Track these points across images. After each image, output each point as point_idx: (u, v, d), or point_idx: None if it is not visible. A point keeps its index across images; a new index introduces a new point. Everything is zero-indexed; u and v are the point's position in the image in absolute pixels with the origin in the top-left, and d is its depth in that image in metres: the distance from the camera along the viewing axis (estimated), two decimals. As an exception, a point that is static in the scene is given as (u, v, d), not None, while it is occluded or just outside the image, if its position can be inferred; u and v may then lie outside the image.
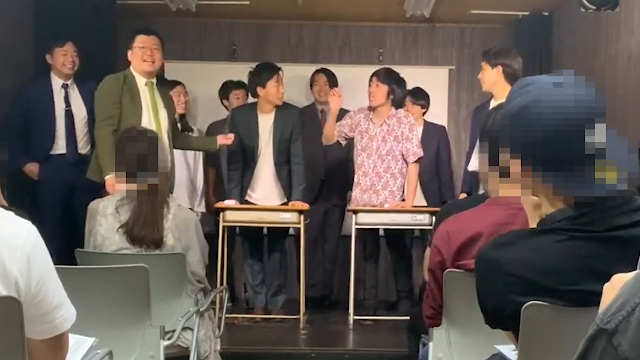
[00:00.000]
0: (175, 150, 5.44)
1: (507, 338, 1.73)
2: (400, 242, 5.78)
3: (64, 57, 5.45)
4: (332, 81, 6.43)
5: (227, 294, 4.37)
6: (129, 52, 4.77)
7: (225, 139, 5.27)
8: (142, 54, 4.71)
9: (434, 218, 4.56)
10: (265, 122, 5.51)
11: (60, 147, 5.43)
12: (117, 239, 3.25)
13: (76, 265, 3.17)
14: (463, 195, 5.38)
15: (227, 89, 6.51)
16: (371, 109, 5.56)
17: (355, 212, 5.48)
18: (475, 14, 6.79)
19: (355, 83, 6.63)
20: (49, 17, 5.98)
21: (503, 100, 1.76)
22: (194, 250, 3.38)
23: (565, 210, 1.56)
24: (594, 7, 4.94)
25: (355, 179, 5.60)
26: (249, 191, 5.57)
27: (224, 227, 5.38)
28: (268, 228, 5.71)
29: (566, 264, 1.55)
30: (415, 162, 5.51)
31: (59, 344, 1.68)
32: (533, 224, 1.65)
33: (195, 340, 3.26)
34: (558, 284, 1.56)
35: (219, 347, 3.69)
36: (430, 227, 5.01)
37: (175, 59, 7.02)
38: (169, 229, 3.28)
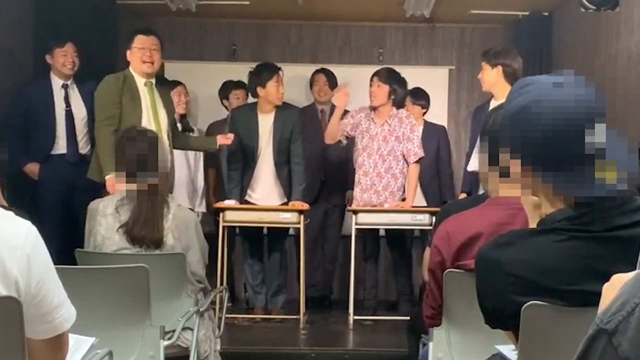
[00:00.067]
0: (176, 151, 5.45)
1: (507, 338, 1.73)
2: (401, 242, 5.78)
3: (64, 58, 5.45)
4: (332, 81, 6.43)
5: (227, 294, 4.37)
6: (128, 52, 4.77)
7: (225, 139, 5.27)
8: (141, 55, 4.71)
9: (434, 218, 4.57)
10: (265, 122, 5.51)
11: (60, 147, 5.44)
12: (117, 239, 3.25)
13: (76, 265, 3.17)
14: (463, 195, 5.38)
15: (227, 89, 6.52)
16: (372, 108, 5.56)
17: (355, 212, 5.49)
18: (475, 14, 6.79)
19: (355, 83, 6.62)
20: (49, 17, 5.98)
21: (503, 100, 1.76)
22: (194, 250, 3.38)
23: (565, 210, 1.56)
24: (594, 7, 4.94)
25: (356, 179, 5.61)
26: (249, 191, 5.57)
27: (224, 227, 5.38)
28: (268, 228, 5.71)
29: (566, 264, 1.55)
30: (416, 162, 5.51)
31: (59, 344, 1.68)
32: (533, 224, 1.65)
33: (195, 340, 3.26)
34: (558, 284, 1.56)
35: (219, 347, 3.69)
36: (430, 227, 5.01)
37: (175, 59, 7.03)
38: (169, 229, 3.28)
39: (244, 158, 5.55)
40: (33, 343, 1.64)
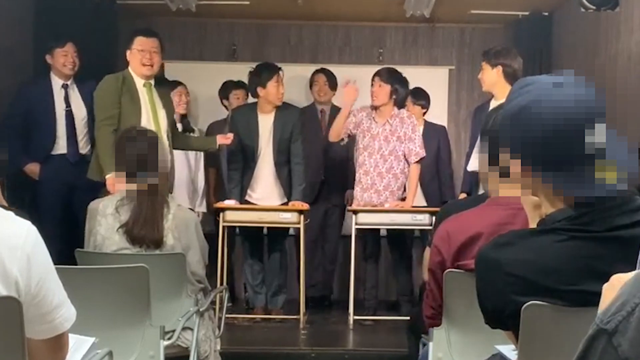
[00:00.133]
0: (176, 151, 5.45)
1: (507, 338, 1.73)
2: (401, 242, 5.78)
3: (65, 58, 5.45)
4: (332, 81, 6.43)
5: (227, 294, 4.37)
6: (128, 52, 4.77)
7: (224, 139, 5.27)
8: (141, 57, 4.71)
9: (434, 218, 4.56)
10: (266, 122, 5.51)
11: (60, 147, 5.44)
12: (117, 239, 3.25)
13: (76, 265, 3.17)
14: (463, 195, 5.38)
15: (227, 89, 6.52)
16: (374, 108, 5.56)
17: (355, 212, 5.49)
18: (475, 14, 6.79)
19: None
20: (49, 17, 5.98)
21: (503, 100, 1.76)
22: (194, 250, 3.38)
23: (565, 210, 1.57)
24: (594, 7, 4.94)
25: (357, 178, 5.61)
26: (249, 191, 5.57)
27: (224, 227, 5.38)
28: (268, 228, 5.71)
29: (566, 264, 1.55)
30: (417, 162, 5.52)
31: (59, 344, 1.69)
32: (533, 224, 1.65)
33: (195, 340, 3.26)
34: (558, 284, 1.56)
35: (219, 347, 3.69)
36: (430, 227, 5.01)
37: (175, 59, 7.03)
38: (169, 229, 3.28)
39: (244, 158, 5.55)
40: (33, 343, 1.64)
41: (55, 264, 1.65)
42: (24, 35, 5.91)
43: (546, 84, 1.58)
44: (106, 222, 3.28)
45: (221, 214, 5.36)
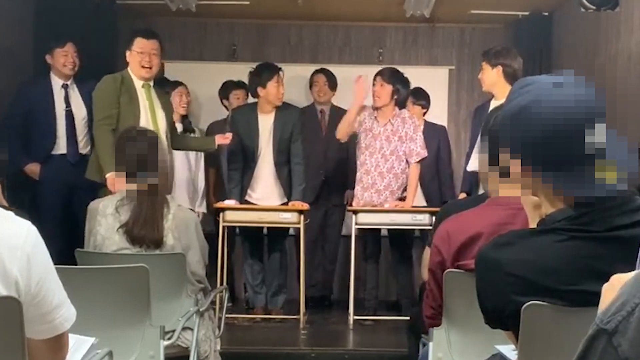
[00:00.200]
0: (177, 151, 5.46)
1: (507, 338, 1.73)
2: (401, 242, 5.78)
3: (65, 58, 5.45)
4: (332, 81, 6.43)
5: (227, 294, 4.37)
6: (128, 53, 4.77)
7: (223, 139, 5.28)
8: (140, 59, 4.72)
9: (434, 218, 4.56)
10: (266, 122, 5.52)
11: (61, 147, 5.44)
12: (117, 239, 3.25)
13: (76, 265, 3.17)
14: (463, 195, 5.38)
15: (227, 89, 6.52)
16: (375, 108, 5.55)
17: (355, 212, 5.49)
18: (475, 14, 6.79)
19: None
20: (49, 17, 5.98)
21: (503, 100, 1.76)
22: (194, 250, 3.38)
23: (565, 210, 1.57)
24: (594, 7, 4.94)
25: (358, 177, 5.60)
26: (249, 191, 5.57)
27: (224, 227, 5.38)
28: (268, 228, 5.71)
29: (566, 264, 1.55)
30: (418, 162, 5.51)
31: (59, 344, 1.68)
32: (533, 224, 1.65)
33: (195, 340, 3.26)
34: (558, 284, 1.56)
35: (219, 347, 3.69)
36: (430, 227, 5.01)
37: (175, 59, 7.03)
38: (169, 229, 3.28)
39: (244, 158, 5.56)
40: (33, 343, 1.64)
41: (55, 264, 1.65)
42: (24, 35, 5.91)
43: (546, 84, 1.58)
44: (106, 222, 3.28)
45: (221, 214, 5.36)
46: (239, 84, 6.37)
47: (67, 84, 5.50)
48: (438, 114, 6.86)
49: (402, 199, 5.54)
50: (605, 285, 1.03)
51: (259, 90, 5.46)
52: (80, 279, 2.84)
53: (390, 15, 6.92)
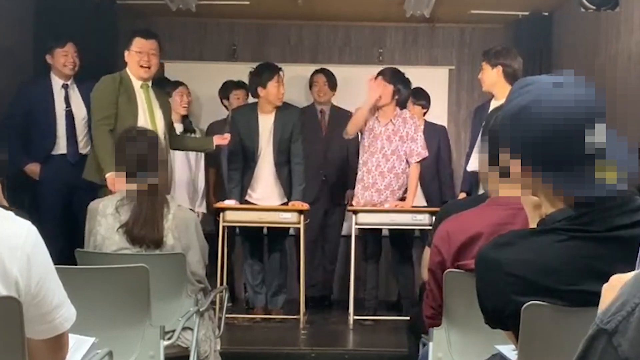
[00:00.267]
0: (177, 151, 5.46)
1: (507, 338, 1.73)
2: (402, 242, 5.78)
3: (65, 58, 5.45)
4: (332, 81, 6.43)
5: (227, 294, 4.37)
6: (126, 53, 4.78)
7: (221, 139, 5.28)
8: (139, 59, 4.72)
9: (434, 218, 4.56)
10: (266, 122, 5.52)
11: (61, 147, 5.44)
12: (117, 239, 3.25)
13: (76, 265, 3.17)
14: (463, 195, 5.38)
15: (227, 89, 6.52)
16: (376, 108, 5.54)
17: (355, 212, 5.49)
18: (475, 14, 6.79)
19: (355, 83, 6.63)
20: (49, 17, 5.98)
21: (503, 100, 1.76)
22: (194, 250, 3.38)
23: (565, 210, 1.57)
24: (594, 7, 4.94)
25: (359, 176, 5.60)
26: (249, 191, 5.57)
27: (224, 227, 5.38)
28: (268, 228, 5.71)
29: (566, 264, 1.55)
30: (418, 162, 5.51)
31: (59, 344, 1.69)
32: (533, 224, 1.65)
33: (195, 340, 3.26)
34: (558, 284, 1.56)
35: (219, 347, 3.69)
36: (430, 227, 5.01)
37: (175, 59, 7.03)
38: (169, 229, 3.28)
39: (244, 158, 5.56)
40: (33, 343, 1.64)
41: (55, 264, 1.65)
42: (24, 35, 5.91)
43: (546, 84, 1.58)
44: (106, 222, 3.28)
45: (221, 214, 5.36)
46: (239, 84, 6.37)
47: (67, 84, 5.50)
48: (438, 114, 6.86)
49: (403, 199, 5.55)
50: (605, 286, 1.03)
51: (259, 90, 5.46)
52: (80, 279, 2.84)
53: (390, 15, 6.92)
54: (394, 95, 5.48)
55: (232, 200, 5.47)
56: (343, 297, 6.13)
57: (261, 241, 5.82)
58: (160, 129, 4.74)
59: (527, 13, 6.83)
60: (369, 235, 5.73)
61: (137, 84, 4.75)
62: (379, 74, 5.54)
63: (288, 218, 5.42)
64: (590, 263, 1.54)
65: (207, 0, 6.44)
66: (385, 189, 5.52)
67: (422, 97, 6.33)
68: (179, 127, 5.85)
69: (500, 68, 4.70)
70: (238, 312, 5.82)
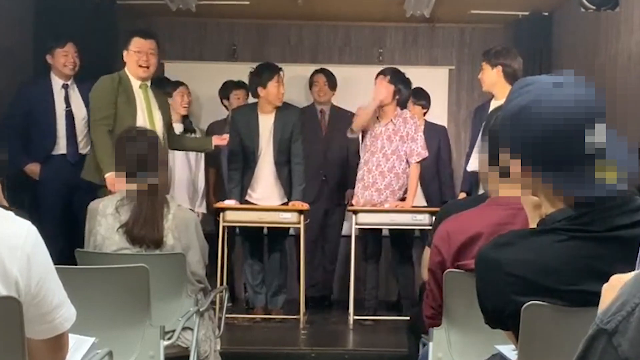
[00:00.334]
0: (177, 151, 5.45)
1: (507, 338, 1.73)
2: (401, 242, 5.78)
3: (65, 58, 5.45)
4: (332, 81, 6.43)
5: (227, 294, 4.37)
6: (125, 53, 4.78)
7: (219, 140, 5.28)
8: (137, 59, 4.72)
9: (434, 218, 4.56)
10: (266, 122, 5.52)
11: (61, 147, 5.44)
12: (117, 239, 3.25)
13: (76, 265, 3.17)
14: (463, 195, 5.38)
15: (227, 89, 6.52)
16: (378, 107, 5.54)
17: (355, 212, 5.49)
18: (475, 14, 6.79)
19: (355, 83, 6.64)
20: (49, 17, 5.98)
21: (503, 100, 1.76)
22: (194, 250, 3.38)
23: (565, 210, 1.56)
24: (594, 7, 4.94)
25: (359, 175, 5.60)
26: (249, 191, 5.57)
27: (224, 227, 5.38)
28: (268, 228, 5.71)
29: (566, 264, 1.55)
30: (418, 162, 5.51)
31: (59, 344, 1.68)
32: (533, 224, 1.65)
33: (195, 340, 3.26)
34: (558, 284, 1.56)
35: (219, 347, 3.69)
36: (430, 227, 5.01)
37: (175, 59, 7.03)
38: (169, 229, 3.28)
39: (244, 158, 5.56)
40: (33, 343, 1.64)
41: (55, 264, 1.65)
42: (24, 35, 5.91)
43: (546, 84, 1.58)
44: (106, 222, 3.28)
45: (221, 214, 5.36)
46: (239, 84, 6.37)
47: (67, 84, 5.50)
48: (438, 114, 6.86)
49: (403, 199, 5.55)
50: (605, 286, 1.03)
51: (260, 90, 5.46)
52: (80, 279, 2.84)
53: (390, 15, 6.92)
54: (395, 95, 5.48)
55: (232, 200, 5.47)
56: (343, 297, 6.13)
57: (261, 241, 5.82)
58: (159, 129, 4.74)
59: (527, 13, 6.83)
60: (369, 235, 5.72)
61: (135, 84, 4.75)
62: (380, 73, 5.54)
63: (288, 218, 5.42)
64: (590, 263, 1.54)
65: (207, 0, 6.44)
66: (385, 189, 5.52)
67: (422, 97, 6.33)
68: (179, 127, 5.85)
69: (500, 68, 4.70)
70: (238, 312, 5.82)
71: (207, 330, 3.45)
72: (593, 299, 1.10)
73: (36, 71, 5.83)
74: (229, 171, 5.68)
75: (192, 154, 6.00)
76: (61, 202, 5.39)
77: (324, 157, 6.37)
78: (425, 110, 6.37)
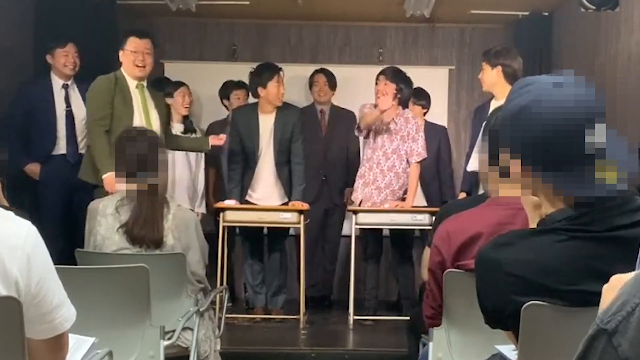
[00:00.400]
0: (177, 151, 5.45)
1: (507, 338, 1.73)
2: (402, 242, 5.78)
3: (65, 58, 5.45)
4: (332, 81, 6.42)
5: (227, 294, 4.37)
6: (121, 53, 4.78)
7: (216, 140, 5.28)
8: (134, 59, 4.72)
9: (434, 218, 4.56)
10: (266, 122, 5.52)
11: (61, 147, 5.44)
12: (117, 239, 3.25)
13: (76, 265, 3.17)
14: (463, 195, 5.38)
15: (227, 89, 6.51)
16: (377, 106, 5.54)
17: (355, 212, 5.49)
18: (475, 14, 6.79)
19: (355, 83, 6.63)
20: (49, 17, 5.97)
21: (503, 100, 1.76)
22: (194, 250, 3.38)
23: (565, 210, 1.56)
24: (594, 7, 4.94)
25: (361, 171, 5.60)
26: (249, 191, 5.57)
27: (224, 227, 5.38)
28: (268, 228, 5.71)
29: (566, 264, 1.55)
30: (418, 162, 5.51)
31: (59, 344, 1.68)
32: (533, 224, 1.65)
33: (195, 340, 3.26)
34: (558, 284, 1.56)
35: (219, 347, 3.69)
36: (430, 227, 5.01)
37: (175, 59, 7.04)
38: (169, 229, 3.28)
39: (244, 158, 5.56)
40: (33, 343, 1.64)
41: (55, 264, 1.65)
42: (24, 35, 5.91)
43: (546, 84, 1.58)
44: (106, 222, 3.28)
45: (221, 214, 5.36)
46: (239, 84, 6.37)
47: (67, 84, 5.50)
48: (438, 114, 6.86)
49: (403, 199, 5.55)
50: (605, 286, 1.03)
51: (260, 90, 5.46)
52: (80, 279, 2.84)
53: (390, 15, 6.92)
54: (396, 94, 5.48)
55: (232, 200, 5.47)
56: (343, 297, 6.12)
57: (261, 241, 5.82)
58: (156, 129, 4.73)
59: (527, 13, 6.83)
60: (369, 235, 5.72)
61: (132, 84, 4.75)
62: (381, 73, 5.54)
63: (288, 218, 5.42)
64: (590, 263, 1.54)
65: (207, 0, 6.44)
66: (385, 188, 5.52)
67: (422, 97, 6.33)
68: (180, 128, 5.85)
69: (500, 68, 4.70)
70: (238, 312, 5.82)
71: (207, 330, 3.45)
72: (593, 299, 1.10)
73: (36, 71, 5.83)
74: (229, 171, 5.68)
75: (192, 154, 6.00)
76: (61, 202, 5.39)
77: (324, 157, 6.37)
78: (425, 110, 6.37)
